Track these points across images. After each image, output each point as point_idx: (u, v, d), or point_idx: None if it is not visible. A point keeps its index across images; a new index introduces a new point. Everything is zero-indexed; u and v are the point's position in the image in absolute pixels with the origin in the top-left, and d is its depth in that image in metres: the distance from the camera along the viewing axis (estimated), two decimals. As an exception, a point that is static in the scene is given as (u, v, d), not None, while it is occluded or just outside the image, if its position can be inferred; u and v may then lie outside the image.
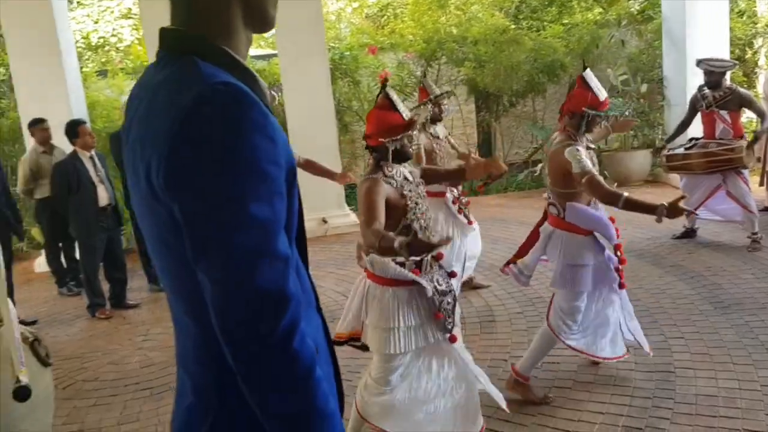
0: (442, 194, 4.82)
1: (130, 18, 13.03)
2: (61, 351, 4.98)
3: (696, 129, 6.41)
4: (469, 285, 5.41)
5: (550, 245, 3.59)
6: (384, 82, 2.93)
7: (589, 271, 3.48)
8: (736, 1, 10.60)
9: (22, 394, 1.63)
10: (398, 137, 2.83)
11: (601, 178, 3.28)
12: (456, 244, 4.90)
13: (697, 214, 5.85)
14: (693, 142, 6.20)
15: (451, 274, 3.05)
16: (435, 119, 5.07)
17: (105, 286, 5.99)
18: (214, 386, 1.12)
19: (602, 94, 3.46)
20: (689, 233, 6.34)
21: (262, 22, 1.16)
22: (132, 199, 1.13)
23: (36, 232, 7.60)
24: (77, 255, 6.27)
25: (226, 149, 0.96)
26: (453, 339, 2.94)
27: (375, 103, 2.95)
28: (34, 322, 5.64)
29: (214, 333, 1.03)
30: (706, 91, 6.04)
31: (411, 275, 2.84)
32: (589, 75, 3.49)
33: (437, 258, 2.96)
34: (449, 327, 2.92)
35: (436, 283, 2.91)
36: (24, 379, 1.65)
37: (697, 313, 4.53)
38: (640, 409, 3.39)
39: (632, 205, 3.20)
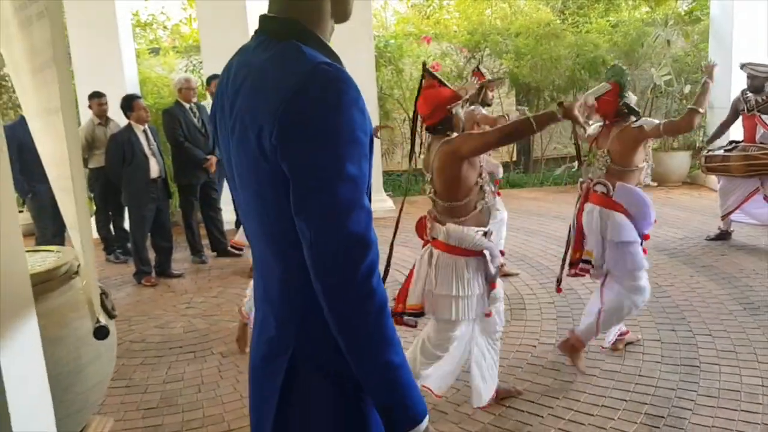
0: None
1: (178, -2, 13.33)
2: (109, 313, 5.25)
3: (737, 132, 6.43)
4: (500, 272, 5.59)
5: (594, 224, 3.72)
6: (425, 66, 3.08)
7: (639, 247, 3.64)
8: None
9: (102, 333, 1.82)
10: (459, 102, 3.03)
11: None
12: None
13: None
14: (733, 144, 6.23)
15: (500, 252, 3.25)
16: (485, 103, 5.39)
17: (151, 255, 6.26)
18: (295, 319, 1.31)
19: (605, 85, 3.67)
20: (724, 235, 6.37)
21: (343, 13, 1.37)
22: (233, 156, 1.32)
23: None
24: (125, 225, 6.55)
25: (330, 120, 1.16)
26: (489, 314, 3.16)
27: (418, 90, 3.08)
28: (83, 285, 5.92)
29: (296, 272, 1.24)
30: (749, 94, 6.08)
31: (489, 243, 3.05)
32: (590, 91, 3.64)
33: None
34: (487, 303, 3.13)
35: None
36: (103, 320, 1.85)
37: (726, 312, 4.60)
38: (663, 399, 3.50)
39: (699, 100, 3.72)
